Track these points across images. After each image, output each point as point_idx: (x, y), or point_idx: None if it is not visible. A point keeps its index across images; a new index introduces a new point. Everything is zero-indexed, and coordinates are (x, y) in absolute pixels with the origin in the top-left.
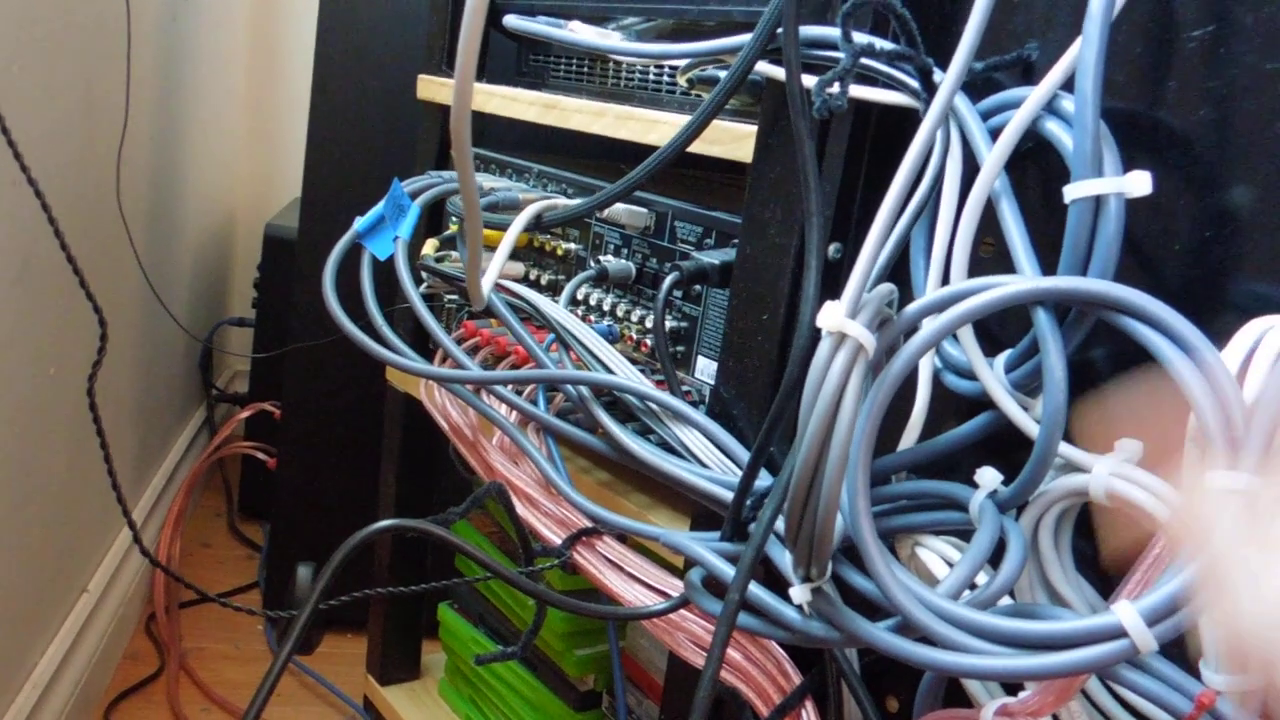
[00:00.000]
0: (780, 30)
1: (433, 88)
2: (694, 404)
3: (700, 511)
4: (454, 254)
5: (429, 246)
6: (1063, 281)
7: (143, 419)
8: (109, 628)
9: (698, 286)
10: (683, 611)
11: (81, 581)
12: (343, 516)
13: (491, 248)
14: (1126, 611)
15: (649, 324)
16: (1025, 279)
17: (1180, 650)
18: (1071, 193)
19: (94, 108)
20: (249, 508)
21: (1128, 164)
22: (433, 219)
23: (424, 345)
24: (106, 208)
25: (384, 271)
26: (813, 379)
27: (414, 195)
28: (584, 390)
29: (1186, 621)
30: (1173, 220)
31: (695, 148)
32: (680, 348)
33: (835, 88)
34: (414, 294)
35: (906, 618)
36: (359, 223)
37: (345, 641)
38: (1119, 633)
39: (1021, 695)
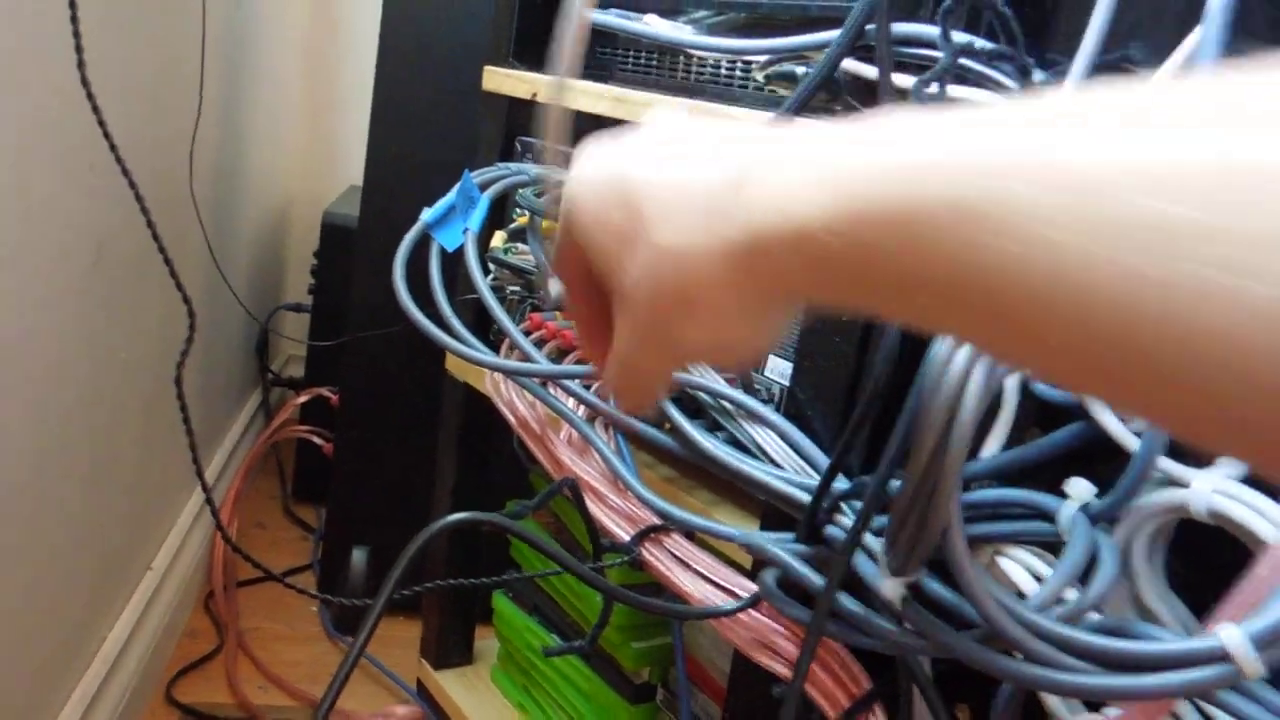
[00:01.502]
0: (870, 26)
1: (497, 79)
2: (764, 403)
3: (769, 511)
4: (522, 246)
5: (497, 239)
6: None
7: (204, 402)
8: (172, 604)
9: None
10: (751, 610)
11: (147, 558)
12: (398, 502)
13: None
14: (1231, 634)
15: None
16: None
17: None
18: None
19: (167, 95)
20: (302, 491)
21: None
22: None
23: (486, 337)
24: (180, 195)
25: (445, 262)
26: (935, 365)
27: (482, 187)
28: None
29: None
30: None
31: None
32: None
33: (934, 87)
34: (484, 286)
35: (999, 630)
36: (428, 214)
37: (397, 624)
38: (1222, 656)
39: (1107, 712)
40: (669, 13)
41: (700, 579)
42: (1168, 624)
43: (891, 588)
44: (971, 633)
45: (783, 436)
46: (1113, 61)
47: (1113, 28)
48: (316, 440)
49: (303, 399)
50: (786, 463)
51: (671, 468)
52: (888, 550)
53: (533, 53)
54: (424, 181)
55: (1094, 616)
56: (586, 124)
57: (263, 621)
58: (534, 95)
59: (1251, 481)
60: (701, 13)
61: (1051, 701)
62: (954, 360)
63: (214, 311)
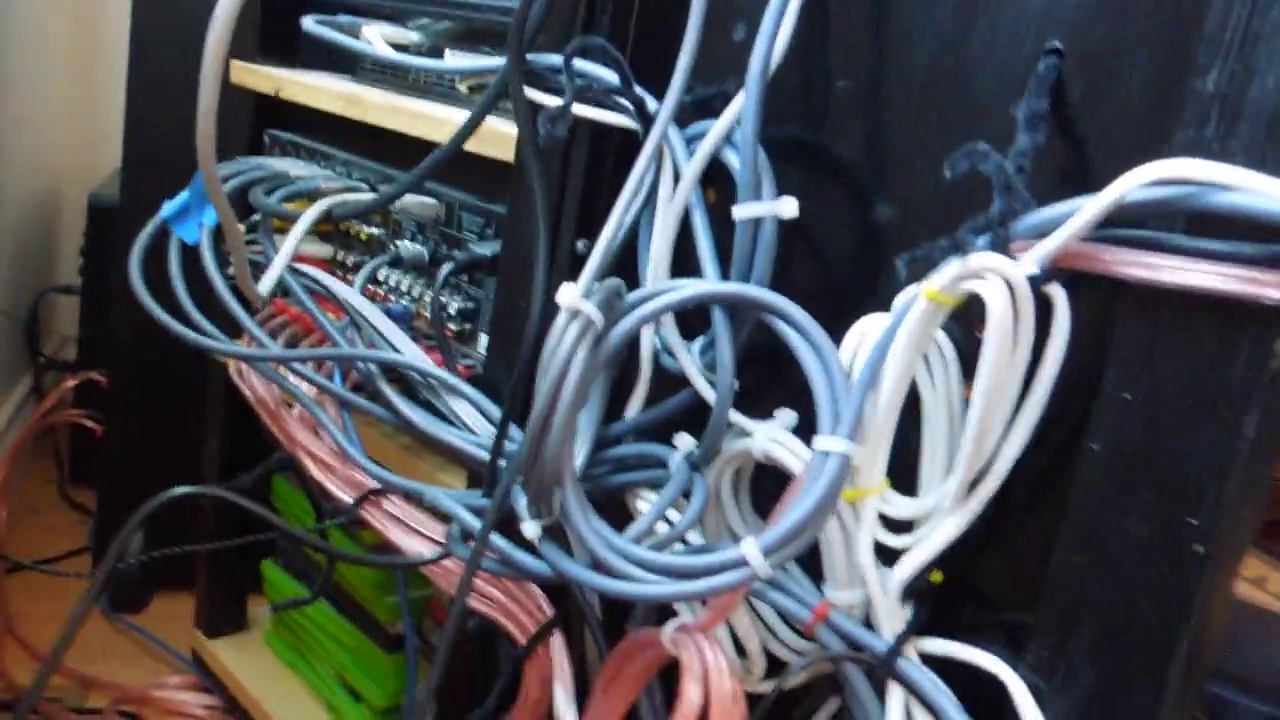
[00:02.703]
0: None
1: (242, 74)
2: (475, 377)
3: (476, 471)
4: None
5: None
6: (724, 287)
7: None
8: None
9: (480, 273)
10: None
11: None
12: (171, 480)
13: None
14: (748, 546)
15: (442, 304)
16: (699, 283)
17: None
18: (737, 213)
19: None
20: (79, 474)
21: (802, 184)
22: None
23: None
24: None
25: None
26: (549, 345)
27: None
28: (372, 366)
29: (795, 552)
30: (837, 228)
31: (475, 149)
32: (468, 325)
33: (558, 123)
34: (217, 277)
35: (593, 554)
36: (165, 208)
37: (176, 601)
38: (742, 562)
39: (699, 614)
40: (399, 17)
41: (414, 534)
42: None
43: (530, 528)
44: (584, 561)
45: (477, 407)
46: (713, 94)
47: (716, 64)
48: (88, 424)
49: (73, 383)
50: (481, 429)
51: (412, 439)
52: (529, 498)
53: (278, 49)
54: (186, 163)
55: (694, 540)
56: (326, 120)
57: (36, 605)
58: (277, 92)
59: (796, 431)
60: (424, 21)
61: (679, 607)
62: (561, 345)
63: None
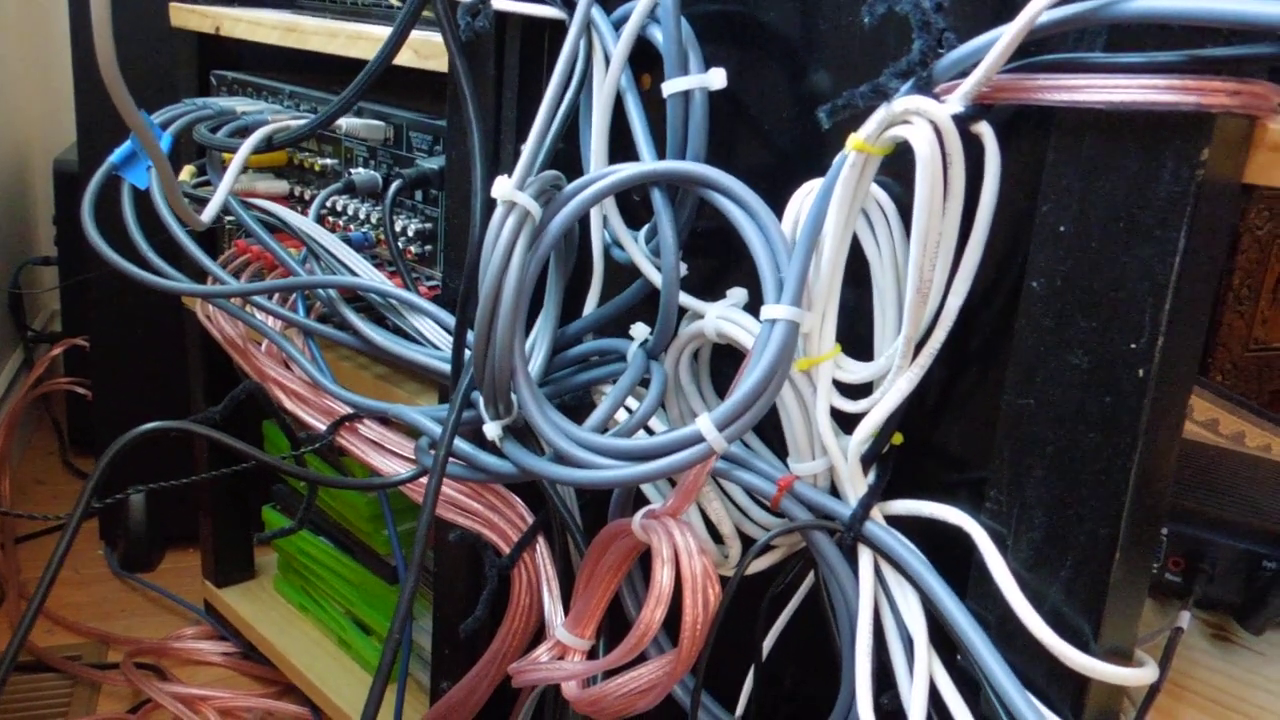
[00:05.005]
0: None
1: (183, 15)
2: (438, 297)
3: (444, 386)
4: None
5: (185, 173)
6: (657, 165)
7: None
8: None
9: (433, 190)
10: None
11: None
12: (166, 437)
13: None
14: (703, 421)
15: (401, 228)
16: (633, 165)
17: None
18: (666, 89)
19: None
20: (81, 442)
21: (736, 61)
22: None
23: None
24: None
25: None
26: (489, 240)
27: (165, 125)
28: (332, 292)
29: (750, 423)
30: (775, 102)
31: (415, 64)
32: (428, 246)
33: (478, 16)
34: (170, 218)
35: (551, 446)
36: (114, 155)
37: (186, 557)
38: (699, 438)
39: (668, 499)
40: None
41: (392, 456)
42: None
43: (491, 429)
44: (546, 456)
45: (437, 322)
46: None
47: None
48: (80, 390)
49: (58, 350)
50: (443, 344)
51: (387, 368)
52: (486, 399)
53: None
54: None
55: (658, 426)
56: (271, 56)
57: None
58: (217, 29)
59: (747, 308)
60: None
61: (649, 492)
62: (500, 239)
63: None
